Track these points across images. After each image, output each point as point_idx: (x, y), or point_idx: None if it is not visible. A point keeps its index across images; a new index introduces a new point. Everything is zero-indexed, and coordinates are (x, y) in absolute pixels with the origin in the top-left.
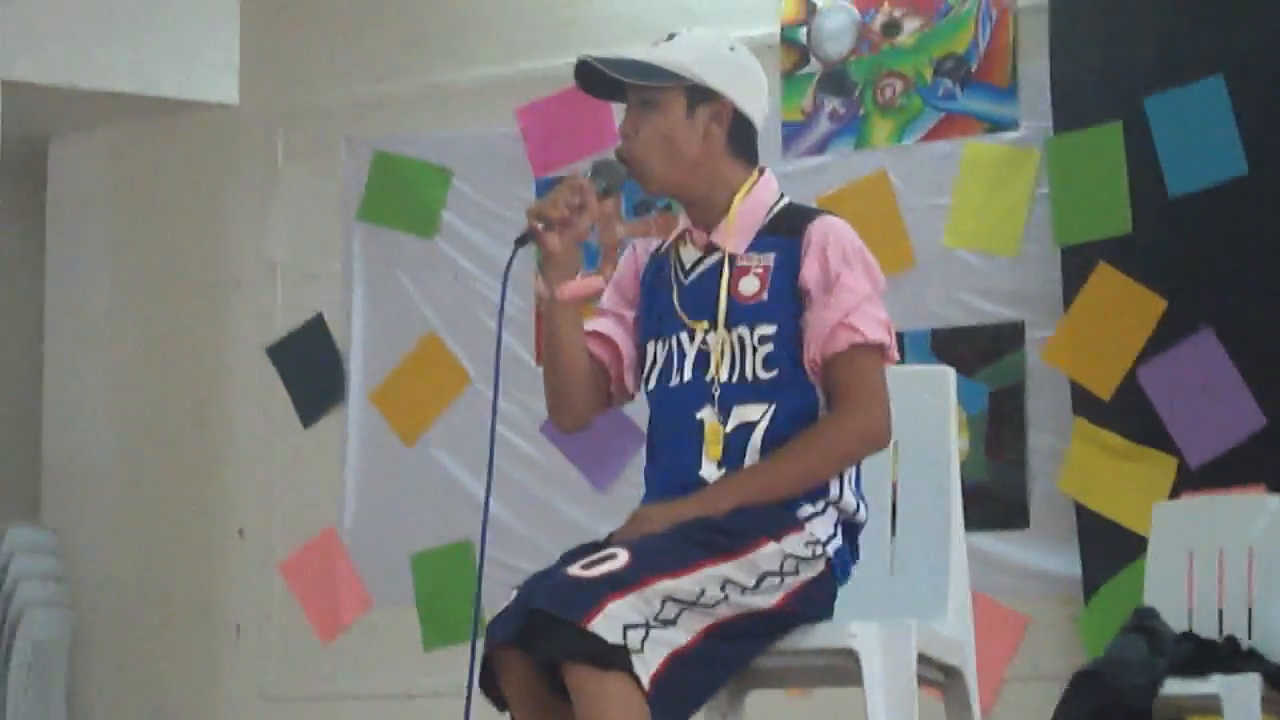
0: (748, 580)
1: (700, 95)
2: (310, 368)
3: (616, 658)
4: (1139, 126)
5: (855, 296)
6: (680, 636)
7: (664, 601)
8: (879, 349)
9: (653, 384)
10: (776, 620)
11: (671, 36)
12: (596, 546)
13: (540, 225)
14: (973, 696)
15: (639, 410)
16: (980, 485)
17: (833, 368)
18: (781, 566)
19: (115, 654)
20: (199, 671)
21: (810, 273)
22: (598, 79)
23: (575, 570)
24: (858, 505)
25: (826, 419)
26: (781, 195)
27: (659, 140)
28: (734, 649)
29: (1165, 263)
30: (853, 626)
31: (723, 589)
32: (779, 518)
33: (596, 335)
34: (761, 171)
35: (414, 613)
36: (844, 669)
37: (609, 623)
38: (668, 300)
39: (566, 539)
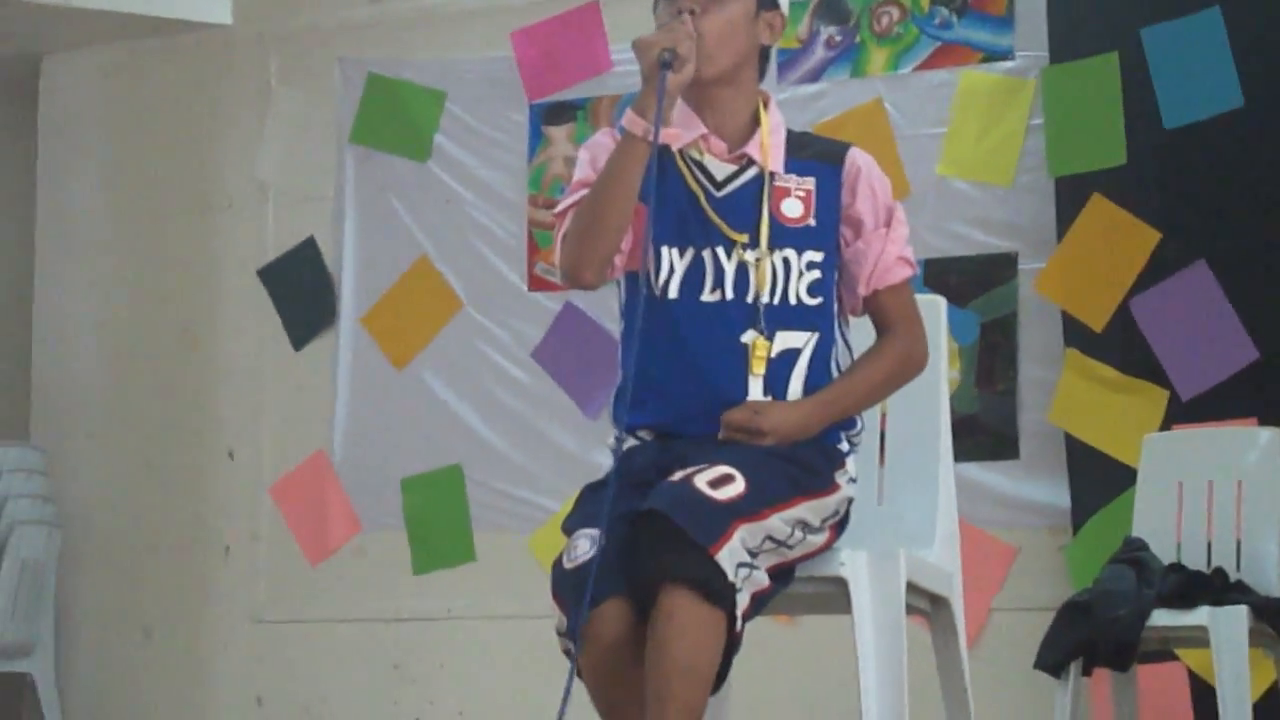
0: (816, 521)
1: (766, 2)
2: (301, 290)
3: (725, 595)
4: (1135, 57)
5: (906, 230)
6: (762, 578)
7: (764, 539)
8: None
9: (675, 293)
10: (812, 558)
11: None
12: (603, 485)
13: (668, 56)
14: (960, 626)
15: None
16: (970, 416)
17: (885, 298)
18: (839, 509)
19: (104, 574)
20: (188, 593)
21: (865, 204)
22: None
23: (703, 487)
24: (862, 427)
25: (891, 346)
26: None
27: (726, 26)
28: (781, 587)
29: (1160, 195)
30: (842, 555)
31: (800, 530)
32: (835, 455)
33: None
34: (765, 95)
35: (403, 536)
36: (833, 597)
37: (731, 556)
38: (691, 206)
39: (557, 465)
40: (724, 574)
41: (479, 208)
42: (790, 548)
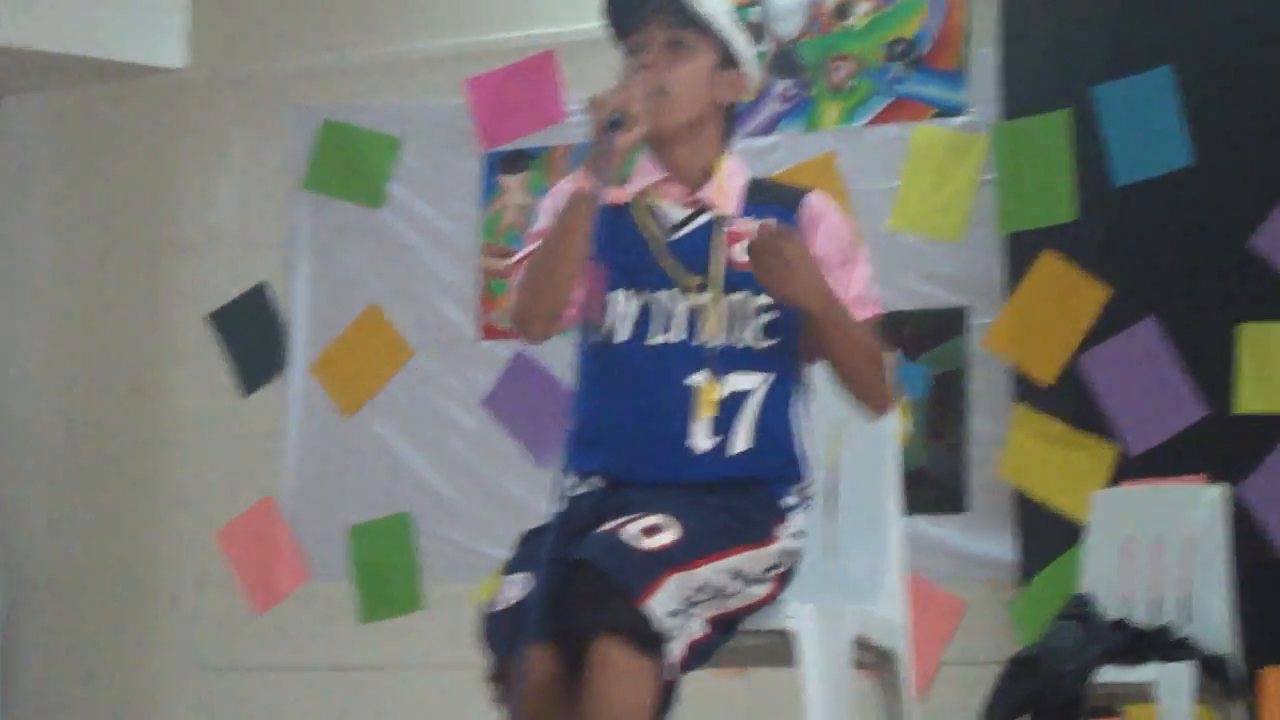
0: (756, 572)
1: (728, 59)
2: (252, 336)
3: (656, 644)
4: (1086, 115)
5: (868, 270)
6: (698, 627)
7: (698, 588)
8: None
9: (624, 336)
10: (756, 610)
11: None
12: (543, 531)
13: (618, 116)
14: (907, 679)
15: None
16: (920, 469)
17: None
18: (780, 561)
19: (50, 620)
20: (133, 639)
21: (825, 245)
22: (630, 3)
23: (632, 536)
24: (813, 494)
25: None
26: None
27: (688, 80)
28: (723, 638)
29: (1109, 251)
30: (790, 608)
31: (737, 580)
32: (778, 510)
33: None
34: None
35: (350, 584)
36: (780, 649)
37: (661, 605)
38: (642, 253)
39: (506, 513)
40: (653, 623)
41: (432, 255)
42: (729, 597)
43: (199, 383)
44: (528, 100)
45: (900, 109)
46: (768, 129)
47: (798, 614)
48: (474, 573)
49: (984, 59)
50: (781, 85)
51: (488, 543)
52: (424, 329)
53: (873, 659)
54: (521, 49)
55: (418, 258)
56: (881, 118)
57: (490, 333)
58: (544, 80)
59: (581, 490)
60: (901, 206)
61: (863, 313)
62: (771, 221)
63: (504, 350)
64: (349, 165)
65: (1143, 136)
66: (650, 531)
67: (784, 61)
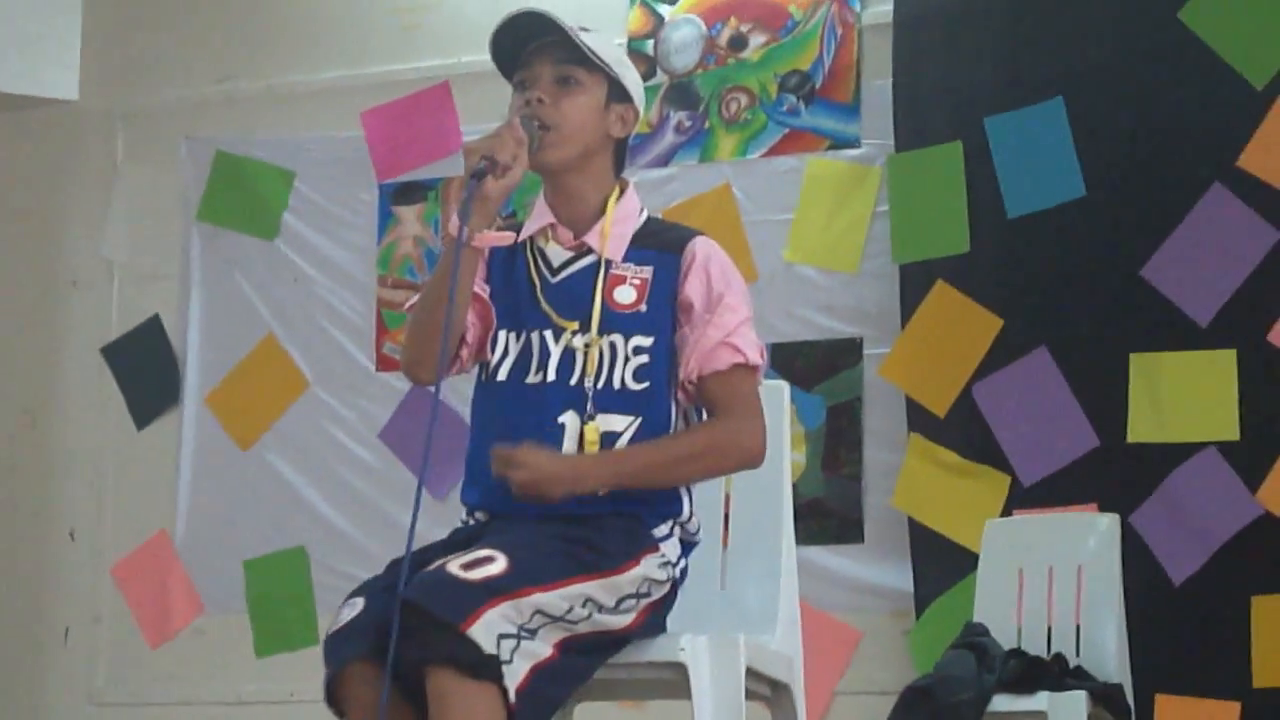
0: (609, 601)
1: (617, 93)
2: (145, 369)
3: (488, 668)
4: (979, 146)
5: (737, 318)
6: (542, 649)
7: (534, 614)
8: (755, 371)
9: (504, 375)
10: (624, 639)
11: (584, 30)
12: (421, 554)
13: (486, 164)
14: (800, 711)
15: None
16: (816, 499)
17: (711, 385)
18: (639, 589)
19: None
20: (26, 675)
21: (694, 289)
22: (515, 38)
23: (455, 569)
24: (698, 525)
25: (711, 423)
26: (643, 209)
27: (575, 115)
28: (585, 662)
29: (1002, 282)
30: (682, 640)
31: (585, 607)
32: (640, 539)
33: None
34: (624, 183)
35: (246, 618)
36: (674, 682)
37: (486, 630)
38: (527, 293)
39: (402, 546)
40: (480, 648)
41: (327, 287)
42: (574, 623)
43: (92, 416)
44: (423, 132)
45: (795, 141)
46: (664, 160)
47: (690, 646)
48: None
49: (878, 91)
50: (677, 117)
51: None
52: (319, 361)
53: (766, 690)
54: (417, 81)
55: (312, 289)
56: (776, 149)
57: (386, 365)
58: (440, 111)
59: (470, 524)
60: (797, 238)
61: (721, 360)
62: (507, 448)
63: (400, 382)
64: (243, 197)
65: (1035, 167)
66: (476, 564)
67: (679, 93)
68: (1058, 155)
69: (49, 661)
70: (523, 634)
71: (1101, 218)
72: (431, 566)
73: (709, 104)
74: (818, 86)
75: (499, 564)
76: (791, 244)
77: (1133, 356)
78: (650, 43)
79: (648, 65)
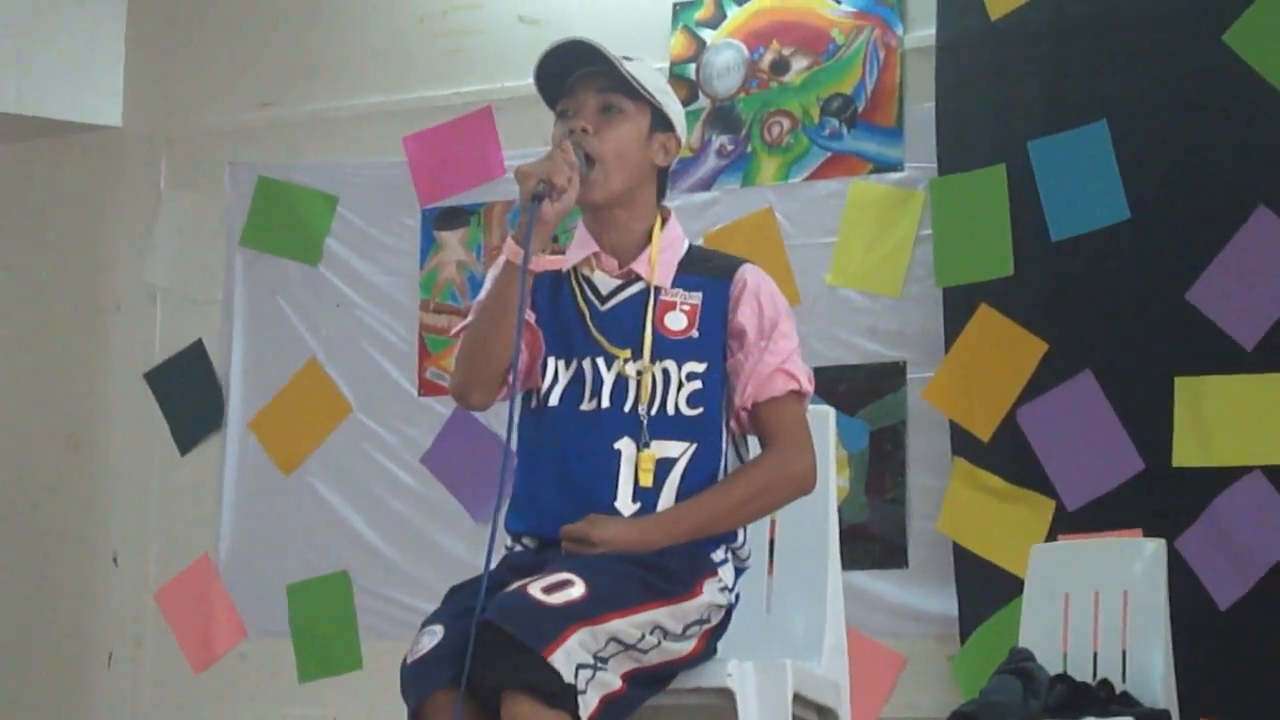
0: (676, 628)
1: (661, 122)
2: (189, 394)
3: (566, 698)
4: (1023, 169)
5: (790, 344)
6: (613, 680)
7: (609, 641)
8: (806, 397)
9: (555, 401)
10: (683, 666)
11: (628, 59)
12: (467, 586)
13: (542, 189)
14: None
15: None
16: (860, 524)
17: (765, 412)
18: (702, 616)
19: None
20: (70, 699)
21: (746, 317)
22: (559, 66)
23: (536, 592)
24: (749, 551)
25: (762, 460)
26: (684, 237)
27: (620, 146)
28: (645, 693)
29: (1046, 306)
30: (729, 666)
31: (654, 634)
32: (701, 564)
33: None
34: (665, 211)
35: (289, 643)
36: (720, 708)
37: (566, 659)
38: (576, 321)
39: (445, 571)
40: (560, 676)
41: (370, 312)
42: (644, 652)
43: (135, 441)
44: (465, 157)
45: (837, 164)
46: (706, 184)
47: (737, 672)
48: (412, 631)
49: (920, 114)
50: (719, 141)
51: (427, 600)
52: (362, 385)
53: (812, 716)
54: (459, 106)
55: (355, 314)
56: (819, 173)
57: (428, 389)
58: (482, 136)
59: (516, 549)
60: (840, 262)
61: (777, 387)
62: (575, 526)
63: (442, 407)
64: (286, 222)
65: (1079, 191)
66: (556, 587)
67: (721, 117)
68: (1102, 178)
69: (93, 686)
70: (598, 664)
71: (1146, 241)
72: (511, 588)
73: (751, 128)
74: (860, 110)
75: (578, 589)
76: (834, 268)
77: (1178, 380)
78: (692, 67)
79: (690, 89)
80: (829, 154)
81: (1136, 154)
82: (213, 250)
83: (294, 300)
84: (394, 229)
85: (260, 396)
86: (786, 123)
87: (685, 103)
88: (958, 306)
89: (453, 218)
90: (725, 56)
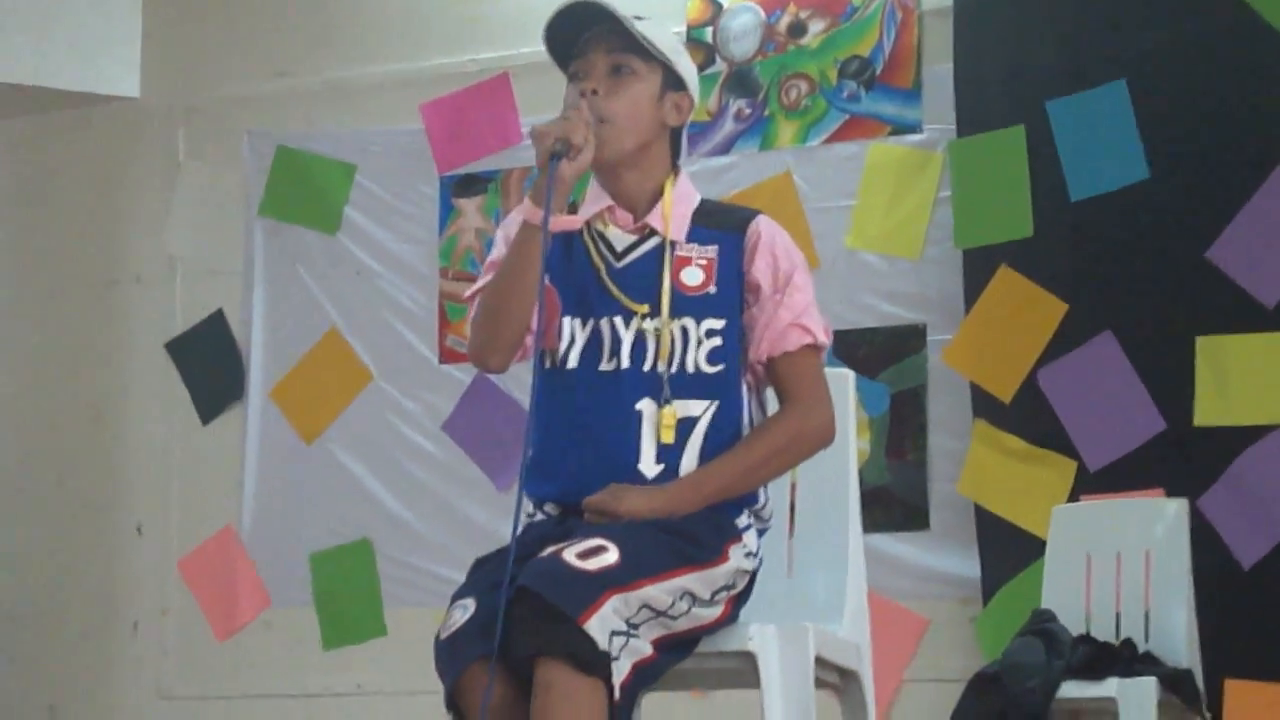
0: (705, 594)
1: (672, 81)
2: (210, 364)
3: (599, 664)
4: (1041, 130)
5: (805, 297)
6: (644, 647)
7: (641, 608)
8: (822, 350)
9: (574, 363)
10: (709, 631)
11: (639, 18)
12: (493, 557)
13: (560, 148)
14: (869, 699)
15: None
16: (881, 487)
17: (781, 366)
18: (729, 581)
19: (10, 650)
20: (96, 668)
21: (761, 270)
22: (569, 27)
23: (571, 559)
24: (771, 511)
25: (780, 417)
26: (696, 194)
27: (630, 107)
28: (673, 659)
29: (1066, 266)
30: (751, 629)
31: (684, 600)
32: (727, 529)
33: None
34: (677, 170)
35: (312, 611)
36: (742, 671)
37: (602, 625)
38: (592, 279)
39: (468, 538)
40: (595, 643)
41: (389, 280)
42: (674, 618)
43: (157, 411)
44: (483, 123)
45: (856, 127)
46: (724, 149)
47: (759, 635)
48: (436, 598)
49: (939, 76)
50: (736, 105)
51: (449, 568)
52: (382, 354)
53: (834, 679)
54: (476, 72)
55: (375, 282)
56: (837, 136)
57: (449, 356)
58: (499, 103)
59: (538, 517)
60: (859, 224)
61: (792, 341)
62: (598, 496)
63: (463, 374)
64: (304, 191)
65: (1098, 151)
66: (590, 553)
67: (739, 81)
68: (1121, 138)
69: (118, 656)
70: (630, 631)
71: (1166, 200)
72: (545, 553)
73: (769, 91)
74: (878, 72)
75: (612, 554)
76: (853, 231)
77: (1199, 339)
78: (709, 30)
79: (707, 53)
80: (847, 117)
81: (1156, 113)
82: (231, 220)
83: (313, 269)
84: (412, 197)
85: (281, 366)
86: (804, 86)
87: (702, 67)
88: (977, 268)
89: (471, 185)
90: (742, 20)
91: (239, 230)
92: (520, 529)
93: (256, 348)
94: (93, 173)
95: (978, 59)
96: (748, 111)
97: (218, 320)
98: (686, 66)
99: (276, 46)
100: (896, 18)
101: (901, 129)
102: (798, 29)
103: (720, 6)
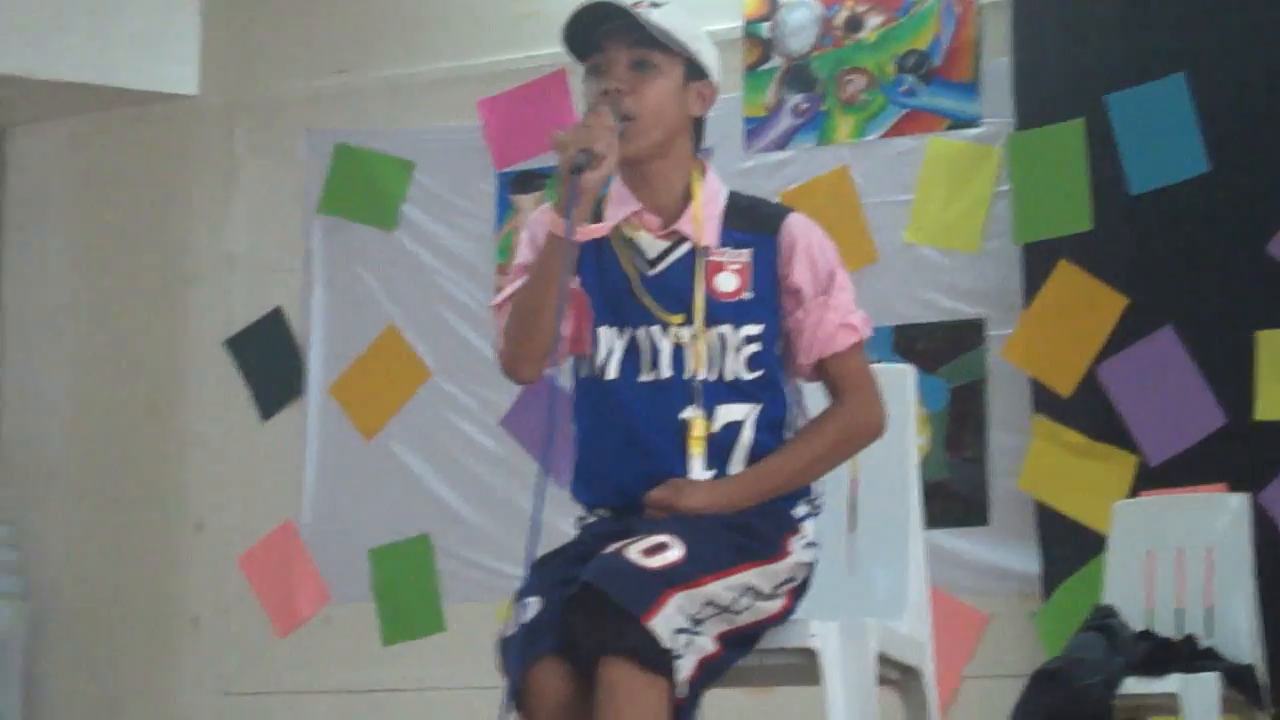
0: (767, 588)
1: (694, 72)
2: (269, 361)
3: (663, 662)
4: (1101, 123)
5: (848, 296)
6: (708, 644)
7: (704, 604)
8: (865, 342)
9: (614, 374)
10: (771, 625)
11: (655, 4)
12: (554, 556)
13: (583, 159)
14: (931, 695)
15: None
16: (941, 482)
17: (831, 365)
18: (791, 575)
19: (73, 647)
20: (156, 665)
21: (801, 275)
22: (588, 26)
23: (635, 556)
24: (821, 491)
25: (834, 413)
26: (723, 186)
27: (654, 102)
28: (737, 654)
29: (1126, 260)
30: (813, 626)
31: (746, 596)
32: (785, 521)
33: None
34: (703, 163)
35: (372, 607)
36: (804, 668)
37: (665, 623)
38: (625, 288)
39: (525, 533)
40: (659, 641)
41: (447, 276)
42: (737, 614)
43: (216, 408)
44: (540, 120)
45: (914, 121)
46: (781, 144)
47: (821, 632)
48: (494, 593)
49: (997, 69)
50: (794, 100)
51: (508, 563)
52: (440, 350)
53: (896, 675)
54: (533, 69)
55: (433, 279)
56: (895, 130)
57: None
58: (555, 99)
59: (590, 520)
60: (917, 219)
61: (840, 342)
62: (659, 492)
63: None
64: (363, 189)
65: (1158, 144)
66: (653, 551)
67: (796, 76)
68: (1181, 131)
69: (179, 652)
70: (694, 628)
71: (1226, 194)
72: (609, 550)
73: (826, 86)
74: (936, 66)
75: (676, 551)
76: (912, 225)
77: (1259, 334)
78: (766, 25)
79: (764, 48)
80: (905, 111)
81: (1216, 106)
82: (290, 218)
83: (372, 266)
84: (470, 194)
85: (340, 362)
86: (862, 80)
87: (760, 61)
88: (1037, 262)
89: (528, 181)
90: (799, 14)
91: (297, 228)
92: (577, 530)
93: (315, 344)
94: (151, 170)
95: (1037, 52)
96: (805, 106)
97: (276, 317)
98: (708, 54)
99: (334, 44)
100: (955, 11)
101: (960, 123)
102: (855, 23)
103: (778, 2)
